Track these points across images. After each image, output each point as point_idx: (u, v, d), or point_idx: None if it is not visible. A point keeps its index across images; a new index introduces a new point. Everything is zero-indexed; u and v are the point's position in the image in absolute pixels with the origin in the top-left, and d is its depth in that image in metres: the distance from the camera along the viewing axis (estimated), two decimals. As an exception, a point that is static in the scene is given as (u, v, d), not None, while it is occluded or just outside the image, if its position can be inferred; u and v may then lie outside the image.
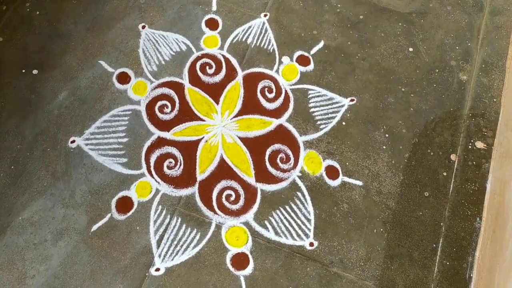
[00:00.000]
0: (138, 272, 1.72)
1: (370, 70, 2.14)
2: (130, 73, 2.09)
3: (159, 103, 2.02)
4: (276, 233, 1.81)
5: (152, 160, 1.91)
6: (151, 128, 1.97)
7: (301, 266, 1.76)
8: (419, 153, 1.97)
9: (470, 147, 1.99)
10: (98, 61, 2.11)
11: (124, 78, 2.08)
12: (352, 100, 2.07)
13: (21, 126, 1.95)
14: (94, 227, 1.79)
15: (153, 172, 1.89)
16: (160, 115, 2.00)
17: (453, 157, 1.97)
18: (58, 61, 2.10)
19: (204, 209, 1.84)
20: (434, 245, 1.80)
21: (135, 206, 1.84)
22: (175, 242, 1.78)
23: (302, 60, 2.16)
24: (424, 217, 1.85)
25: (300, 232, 1.82)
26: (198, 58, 2.14)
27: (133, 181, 1.87)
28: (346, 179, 1.91)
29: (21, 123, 1.96)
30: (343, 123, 2.02)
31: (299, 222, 1.83)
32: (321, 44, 2.20)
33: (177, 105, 2.02)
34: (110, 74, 2.09)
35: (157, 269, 1.73)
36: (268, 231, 1.81)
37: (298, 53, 2.18)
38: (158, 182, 1.87)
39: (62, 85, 2.05)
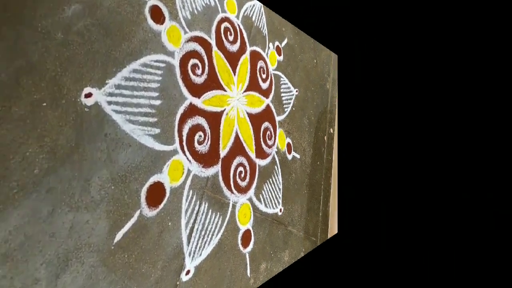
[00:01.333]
0: (169, 283, 1.37)
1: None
2: (165, 10, 1.34)
3: (191, 61, 1.47)
4: (265, 205, 1.96)
5: (185, 132, 1.42)
6: (184, 91, 1.42)
7: (276, 231, 2.05)
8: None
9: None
10: None
11: (158, 15, 1.31)
12: (297, 91, 2.40)
13: None
14: (119, 235, 1.18)
15: (185, 148, 1.42)
16: (192, 77, 1.47)
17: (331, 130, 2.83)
18: None
19: (225, 189, 1.65)
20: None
21: (167, 195, 1.35)
22: (203, 233, 1.52)
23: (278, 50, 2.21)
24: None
25: (275, 201, 2.07)
26: (222, 21, 1.71)
27: (165, 161, 1.33)
28: (294, 153, 2.31)
29: None
30: (293, 109, 2.34)
31: (276, 193, 2.07)
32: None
33: (206, 68, 1.57)
34: (142, 4, 1.22)
35: (187, 272, 1.44)
36: (261, 203, 1.93)
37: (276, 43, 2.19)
38: (190, 161, 1.45)
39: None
